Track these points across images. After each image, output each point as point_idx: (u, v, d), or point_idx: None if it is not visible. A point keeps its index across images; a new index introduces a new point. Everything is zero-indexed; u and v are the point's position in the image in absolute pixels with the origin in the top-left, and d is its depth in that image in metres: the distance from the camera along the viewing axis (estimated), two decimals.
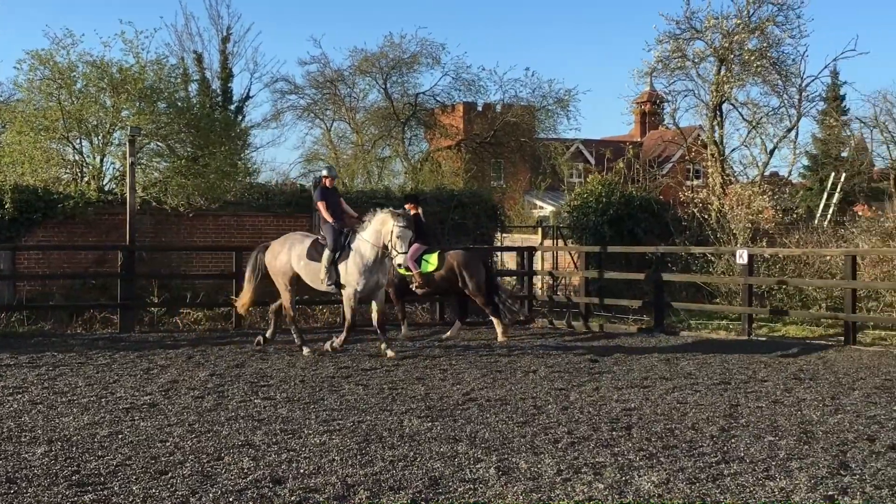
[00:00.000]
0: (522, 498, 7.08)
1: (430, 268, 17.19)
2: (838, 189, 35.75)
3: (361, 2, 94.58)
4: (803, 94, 32.04)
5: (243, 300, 16.96)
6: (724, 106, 31.91)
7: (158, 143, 23.13)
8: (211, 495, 7.12)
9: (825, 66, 71.04)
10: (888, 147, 47.89)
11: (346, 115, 46.20)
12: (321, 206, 15.73)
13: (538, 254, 24.84)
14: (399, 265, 15.77)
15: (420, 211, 17.97)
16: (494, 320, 17.52)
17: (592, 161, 48.22)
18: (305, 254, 15.65)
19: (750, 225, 23.39)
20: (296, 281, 15.86)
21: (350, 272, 15.07)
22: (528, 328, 20.49)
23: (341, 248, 15.20)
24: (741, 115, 32.59)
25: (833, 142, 44.77)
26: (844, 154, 46.13)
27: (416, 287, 17.49)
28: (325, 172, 16.66)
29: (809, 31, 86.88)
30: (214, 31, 39.74)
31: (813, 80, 33.13)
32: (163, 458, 8.27)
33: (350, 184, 38.01)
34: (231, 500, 7.03)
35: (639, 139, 53.76)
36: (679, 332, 19.29)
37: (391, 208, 15.44)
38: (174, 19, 70.51)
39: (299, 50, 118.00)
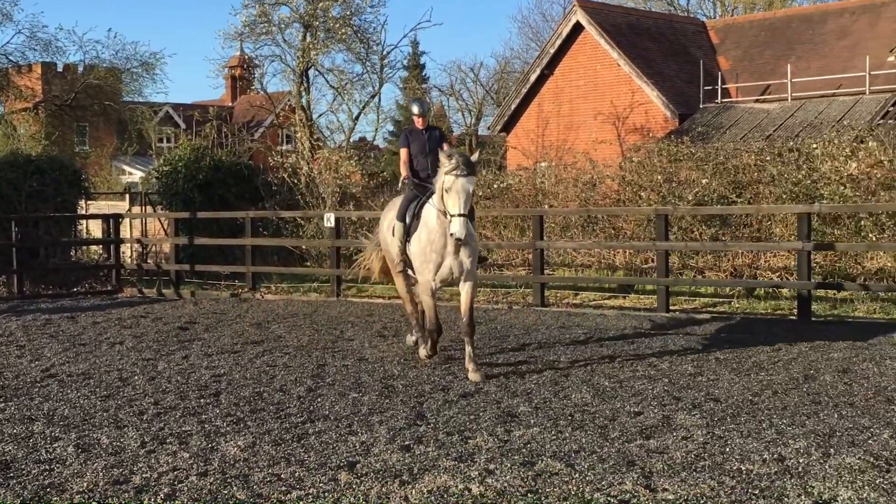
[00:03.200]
0: (102, 474, 6.82)
1: None
2: None
3: None
4: (385, 61, 33.39)
5: (367, 263, 12.99)
6: (311, 72, 32.58)
7: None
8: None
9: (404, 36, 74.08)
10: (463, 114, 51.05)
11: None
12: (402, 155, 11.78)
13: (126, 221, 24.01)
14: (454, 236, 10.20)
15: None
16: None
17: (182, 126, 47.21)
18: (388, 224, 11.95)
19: (338, 189, 23.97)
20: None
21: (414, 253, 11.02)
22: (116, 297, 19.77)
23: (412, 218, 11.12)
24: (327, 82, 33.41)
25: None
26: None
27: None
28: (414, 109, 12.04)
29: (389, 0, 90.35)
30: None
31: (394, 49, 34.57)
32: None
33: None
34: None
35: (230, 104, 53.35)
36: (265, 295, 19.44)
37: (450, 149, 10.76)
38: None
39: None
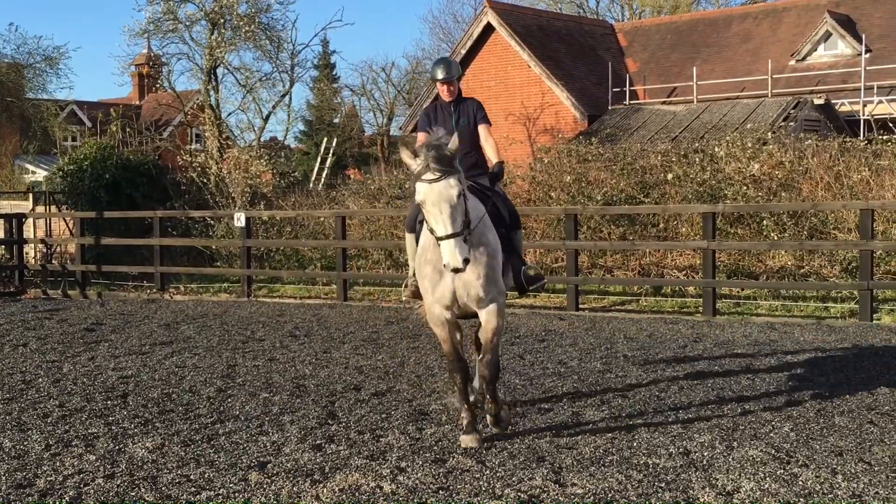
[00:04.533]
0: (5, 478, 6.66)
1: None
2: (331, 154, 37.48)
3: None
4: (295, 60, 33.18)
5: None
6: (220, 70, 32.22)
7: None
8: None
9: (315, 35, 73.77)
10: (375, 114, 50.99)
11: None
12: (419, 140, 7.85)
13: (29, 221, 23.45)
14: (447, 267, 7.05)
15: None
16: None
17: (88, 124, 46.23)
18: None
19: (248, 189, 23.75)
20: None
21: (416, 269, 8.01)
22: (19, 299, 19.32)
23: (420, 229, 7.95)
24: (237, 80, 33.07)
25: (326, 108, 46.82)
26: (336, 120, 48.43)
27: None
28: (437, 74, 8.50)
29: None
30: None
31: (304, 48, 34.47)
32: None
33: None
34: None
35: (137, 102, 52.39)
36: (174, 296, 19.18)
37: (432, 137, 7.41)
38: None
39: None
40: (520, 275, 8.10)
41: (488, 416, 7.82)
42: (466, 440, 7.40)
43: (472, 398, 7.91)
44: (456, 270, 6.90)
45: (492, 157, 8.32)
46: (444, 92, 8.49)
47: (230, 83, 33.30)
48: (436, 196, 6.92)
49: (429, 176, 6.94)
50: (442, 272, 7.34)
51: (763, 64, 31.78)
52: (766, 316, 15.17)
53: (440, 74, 8.40)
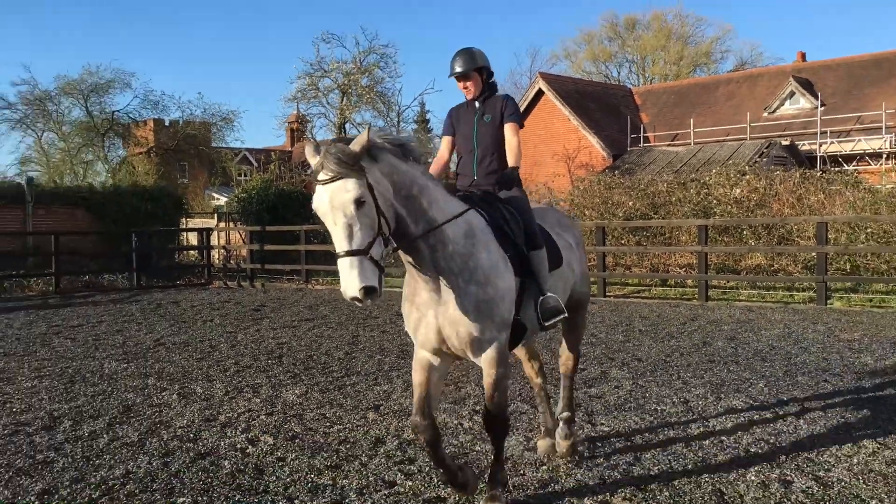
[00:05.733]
0: (197, 414, 6.81)
1: None
2: None
3: (64, 37, 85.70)
4: (401, 117, 33.40)
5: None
6: (347, 125, 32.57)
7: None
8: None
9: (415, 99, 73.75)
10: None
11: (54, 127, 41.86)
12: (441, 147, 5.29)
13: (215, 233, 23.97)
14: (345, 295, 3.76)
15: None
16: None
17: (255, 164, 47.10)
18: None
19: None
20: None
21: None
22: (207, 288, 19.74)
23: None
24: (358, 131, 33.36)
25: (422, 151, 47.07)
26: (430, 160, 48.52)
27: None
28: (455, 67, 4.95)
29: (403, 72, 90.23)
30: None
31: (407, 108, 34.57)
32: None
33: (60, 182, 34.48)
34: None
35: (290, 148, 53.21)
36: (315, 286, 19.39)
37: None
38: None
39: (11, 73, 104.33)
40: (537, 306, 4.60)
41: (489, 478, 4.55)
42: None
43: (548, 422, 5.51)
44: (355, 300, 3.72)
45: (508, 159, 4.92)
46: (462, 90, 5.04)
47: (354, 134, 33.75)
48: (326, 203, 3.79)
49: (321, 176, 3.83)
50: (420, 308, 4.35)
51: (743, 116, 31.07)
52: (745, 301, 14.80)
53: (458, 67, 4.94)
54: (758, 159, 26.39)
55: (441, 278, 4.22)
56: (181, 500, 4.78)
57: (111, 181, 34.09)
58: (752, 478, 4.98)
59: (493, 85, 5.12)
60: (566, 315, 4.79)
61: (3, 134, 63.11)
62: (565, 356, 5.85)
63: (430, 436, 4.40)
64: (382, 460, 5.44)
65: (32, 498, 4.84)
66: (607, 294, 15.90)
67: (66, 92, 40.56)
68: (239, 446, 5.83)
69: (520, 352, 5.73)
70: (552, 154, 32.24)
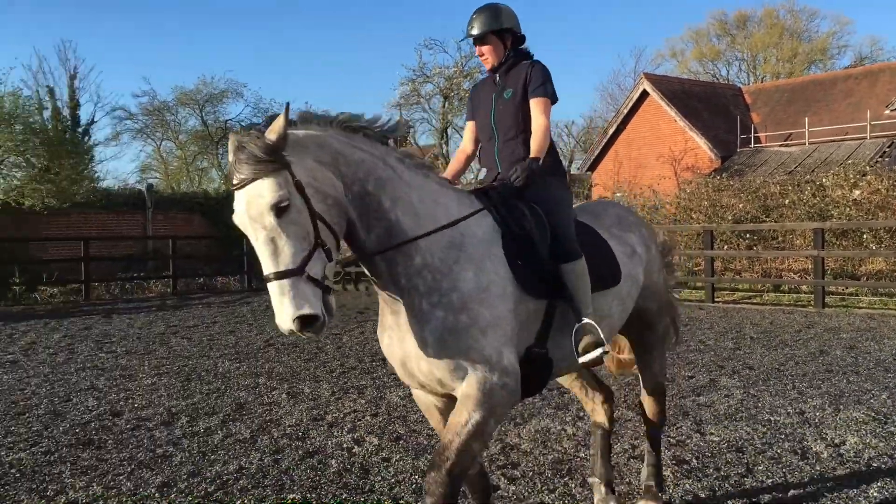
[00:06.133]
0: (305, 414, 7.00)
1: None
2: None
3: (183, 49, 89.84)
4: None
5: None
6: (449, 130, 32.82)
7: (17, 157, 21.27)
8: (61, 428, 6.62)
9: None
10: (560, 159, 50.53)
11: (171, 136, 44.04)
12: (465, 134, 4.08)
13: None
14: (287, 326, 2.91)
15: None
16: None
17: None
18: None
19: None
20: None
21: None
22: None
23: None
24: (460, 136, 33.62)
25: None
26: None
27: None
28: (472, 30, 3.76)
29: None
30: (64, 70, 37.00)
31: None
32: (21, 403, 7.60)
33: (177, 188, 36.20)
34: (77, 431, 6.55)
35: None
36: None
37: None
38: (29, 61, 63.89)
39: (133, 85, 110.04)
40: (571, 336, 3.48)
41: None
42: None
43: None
44: (291, 333, 2.98)
45: (532, 146, 3.65)
46: (483, 57, 3.89)
47: (457, 139, 33.91)
48: (243, 213, 2.87)
49: (234, 180, 2.88)
50: (390, 334, 3.36)
51: (863, 114, 29.54)
52: (866, 308, 14.06)
53: (475, 30, 3.81)
54: (879, 159, 25.03)
55: (403, 298, 3.17)
56: (291, 496, 4.92)
57: (224, 187, 35.51)
58: (875, 493, 4.73)
59: (523, 53, 3.86)
60: (607, 349, 3.51)
61: (126, 143, 66.64)
62: (643, 397, 4.48)
63: (481, 485, 3.56)
64: (485, 464, 5.45)
65: (153, 490, 5.09)
66: (715, 300, 15.42)
67: (183, 102, 42.57)
68: (345, 446, 5.95)
69: (570, 381, 4.59)
70: (657, 156, 31.55)
